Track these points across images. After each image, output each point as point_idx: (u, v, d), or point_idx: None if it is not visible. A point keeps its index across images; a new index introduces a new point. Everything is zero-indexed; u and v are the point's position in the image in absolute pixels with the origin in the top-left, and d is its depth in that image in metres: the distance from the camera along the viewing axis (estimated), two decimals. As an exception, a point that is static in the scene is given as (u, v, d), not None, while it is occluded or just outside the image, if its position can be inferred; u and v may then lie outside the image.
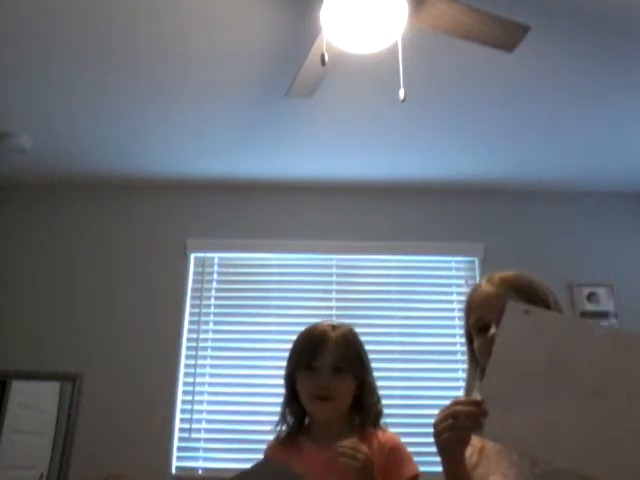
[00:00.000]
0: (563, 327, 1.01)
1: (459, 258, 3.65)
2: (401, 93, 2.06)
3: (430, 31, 2.13)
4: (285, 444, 1.55)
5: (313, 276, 3.61)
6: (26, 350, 3.35)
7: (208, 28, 2.43)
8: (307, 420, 1.59)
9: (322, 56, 1.98)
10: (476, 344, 1.28)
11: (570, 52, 2.55)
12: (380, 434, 1.51)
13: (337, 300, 3.56)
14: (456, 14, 2.01)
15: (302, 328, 1.61)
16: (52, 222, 3.69)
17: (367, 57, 2.35)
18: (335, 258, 3.65)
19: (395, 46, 2.13)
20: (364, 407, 1.52)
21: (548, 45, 2.50)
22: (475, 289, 1.33)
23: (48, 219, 3.70)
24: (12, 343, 3.37)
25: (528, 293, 1.25)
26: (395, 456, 1.46)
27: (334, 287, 3.60)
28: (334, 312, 3.51)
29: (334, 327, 1.55)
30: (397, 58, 2.16)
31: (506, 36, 2.10)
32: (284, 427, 1.58)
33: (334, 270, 3.64)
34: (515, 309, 1.02)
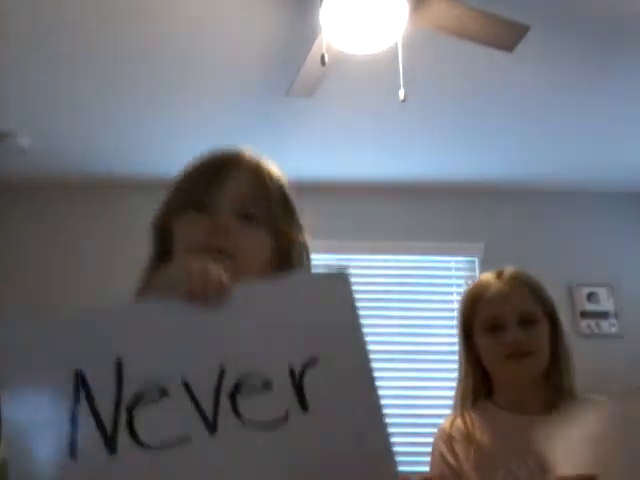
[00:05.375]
0: None
1: (459, 258, 3.65)
2: (401, 93, 2.07)
3: (430, 31, 2.13)
4: None
5: (313, 276, 3.61)
6: (26, 350, 3.35)
7: (208, 28, 2.43)
8: None
9: (322, 56, 1.99)
10: (485, 343, 1.24)
11: (570, 52, 2.55)
12: None
13: (337, 300, 3.55)
14: (456, 14, 2.01)
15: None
16: (52, 222, 3.68)
17: (367, 57, 2.35)
18: (335, 258, 3.65)
19: (395, 46, 2.13)
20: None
21: (548, 45, 2.50)
22: (483, 285, 1.28)
23: (48, 219, 3.69)
24: (12, 343, 3.36)
25: (538, 291, 1.26)
26: None
27: (334, 287, 3.59)
28: (334, 312, 3.51)
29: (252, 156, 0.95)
30: (397, 58, 2.16)
31: (506, 36, 2.10)
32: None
33: (334, 270, 3.64)
34: None
